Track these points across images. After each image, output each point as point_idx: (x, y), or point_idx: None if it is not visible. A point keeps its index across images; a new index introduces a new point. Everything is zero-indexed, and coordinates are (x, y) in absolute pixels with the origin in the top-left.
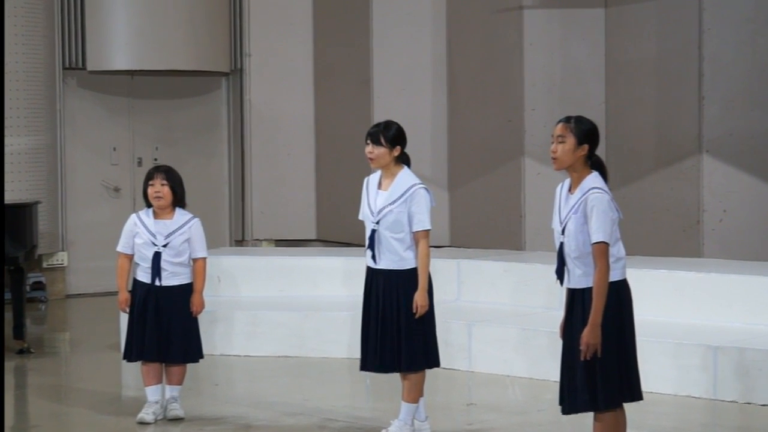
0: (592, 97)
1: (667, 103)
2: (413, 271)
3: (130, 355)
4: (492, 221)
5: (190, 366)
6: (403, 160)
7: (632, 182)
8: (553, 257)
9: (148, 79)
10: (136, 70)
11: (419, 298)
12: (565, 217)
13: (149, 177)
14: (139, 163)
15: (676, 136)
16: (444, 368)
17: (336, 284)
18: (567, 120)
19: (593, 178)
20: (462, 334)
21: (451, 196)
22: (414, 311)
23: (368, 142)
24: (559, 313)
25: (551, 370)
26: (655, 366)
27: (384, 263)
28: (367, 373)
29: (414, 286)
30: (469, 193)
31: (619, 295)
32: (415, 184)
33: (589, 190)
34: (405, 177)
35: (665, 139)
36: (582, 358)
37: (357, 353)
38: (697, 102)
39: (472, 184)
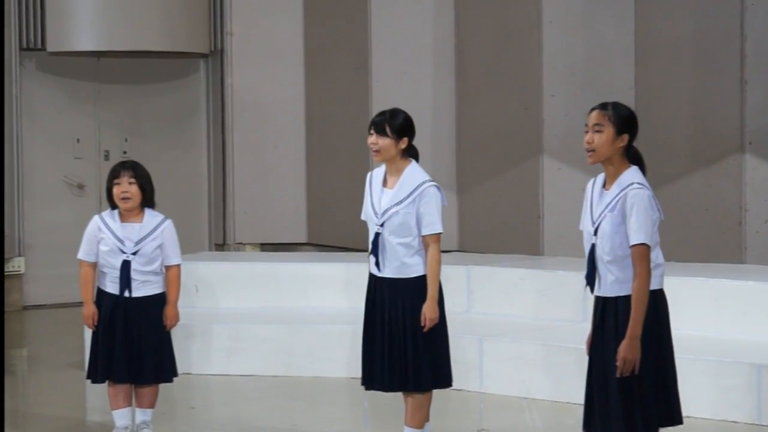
0: (620, 82)
1: (705, 89)
2: (420, 280)
3: (94, 375)
4: (506, 222)
5: (163, 387)
6: (411, 153)
7: (665, 179)
8: (577, 263)
9: (117, 61)
10: (102, 52)
11: (428, 310)
12: (599, 216)
13: (114, 175)
14: (106, 157)
15: (716, 126)
16: (453, 389)
17: (329, 294)
18: (603, 107)
19: (632, 173)
20: (473, 351)
21: (460, 194)
22: (422, 324)
23: (372, 132)
24: (584, 326)
25: (575, 391)
26: (692, 386)
27: (389, 271)
28: (367, 394)
29: (421, 296)
30: (481, 190)
31: (657, 307)
32: (424, 182)
33: (628, 185)
34: (413, 173)
35: (703, 129)
36: (618, 375)
37: (355, 372)
38: (738, 87)
39: (484, 179)
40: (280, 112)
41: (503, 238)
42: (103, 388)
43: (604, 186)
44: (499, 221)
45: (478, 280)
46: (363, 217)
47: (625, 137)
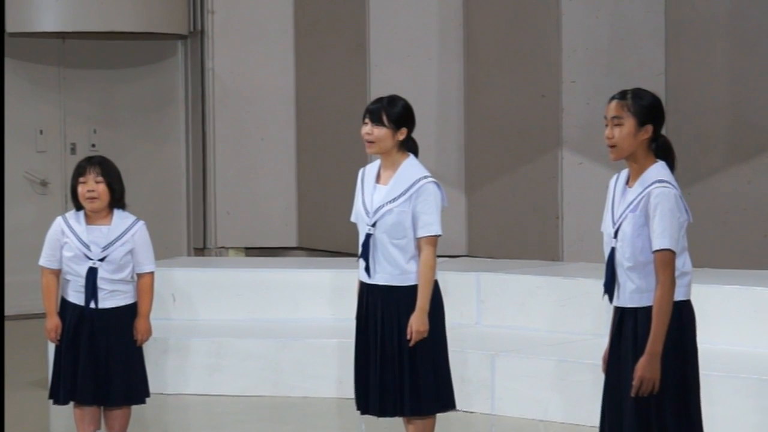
0: (648, 67)
1: (745, 74)
2: (417, 288)
3: (57, 396)
4: (521, 224)
5: (135, 409)
6: (409, 147)
7: (699, 175)
8: (600, 270)
9: (84, 43)
10: (68, 33)
11: (416, 321)
12: (620, 216)
13: (79, 171)
14: (73, 150)
15: (756, 116)
16: (460, 411)
17: (323, 304)
18: (622, 96)
19: (658, 169)
20: (483, 368)
21: (468, 192)
22: (408, 337)
23: (366, 120)
24: (606, 341)
25: (597, 413)
26: (729, 408)
27: (381, 277)
28: (363, 417)
29: None
30: (492, 188)
31: (682, 320)
32: (422, 177)
33: (652, 183)
34: (410, 168)
35: (741, 119)
36: (633, 394)
37: (348, 391)
38: None
39: (496, 176)
40: (268, 99)
41: (517, 241)
42: (68, 410)
43: (627, 183)
44: (513, 223)
45: (488, 289)
46: (353, 218)
47: (649, 128)
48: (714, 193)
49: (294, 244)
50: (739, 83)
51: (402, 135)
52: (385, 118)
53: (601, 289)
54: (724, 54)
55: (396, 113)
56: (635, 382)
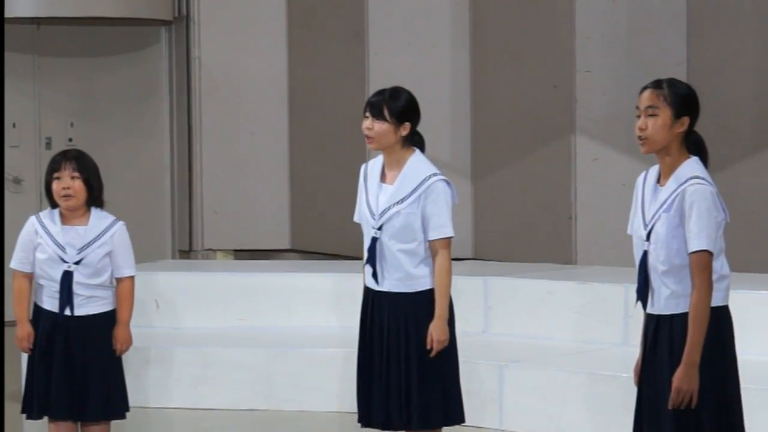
0: (669, 55)
1: None
2: (427, 294)
3: (30, 410)
4: (531, 225)
5: (114, 424)
6: (415, 141)
7: (723, 169)
8: (617, 273)
9: (60, 29)
10: (43, 18)
11: (436, 330)
12: (653, 217)
13: (54, 167)
14: (48, 145)
15: None
16: (468, 426)
17: (317, 311)
18: (657, 85)
19: (692, 165)
20: (491, 380)
21: (475, 191)
22: (429, 347)
23: (367, 114)
24: (626, 350)
25: (614, 428)
26: (761, 423)
27: (389, 284)
28: (363, 428)
29: (428, 315)
30: (500, 186)
31: (720, 327)
32: (431, 175)
33: (687, 179)
34: (417, 165)
35: None
36: (670, 407)
37: (348, 405)
38: None
39: (504, 174)
40: (258, 90)
41: (527, 243)
42: (42, 425)
43: (658, 181)
44: (523, 223)
45: (497, 295)
46: (356, 218)
47: (685, 121)
48: (738, 188)
49: (287, 246)
50: (765, 72)
51: (405, 130)
52: (386, 113)
53: (618, 293)
54: (750, 41)
55: (399, 107)
56: (672, 394)
